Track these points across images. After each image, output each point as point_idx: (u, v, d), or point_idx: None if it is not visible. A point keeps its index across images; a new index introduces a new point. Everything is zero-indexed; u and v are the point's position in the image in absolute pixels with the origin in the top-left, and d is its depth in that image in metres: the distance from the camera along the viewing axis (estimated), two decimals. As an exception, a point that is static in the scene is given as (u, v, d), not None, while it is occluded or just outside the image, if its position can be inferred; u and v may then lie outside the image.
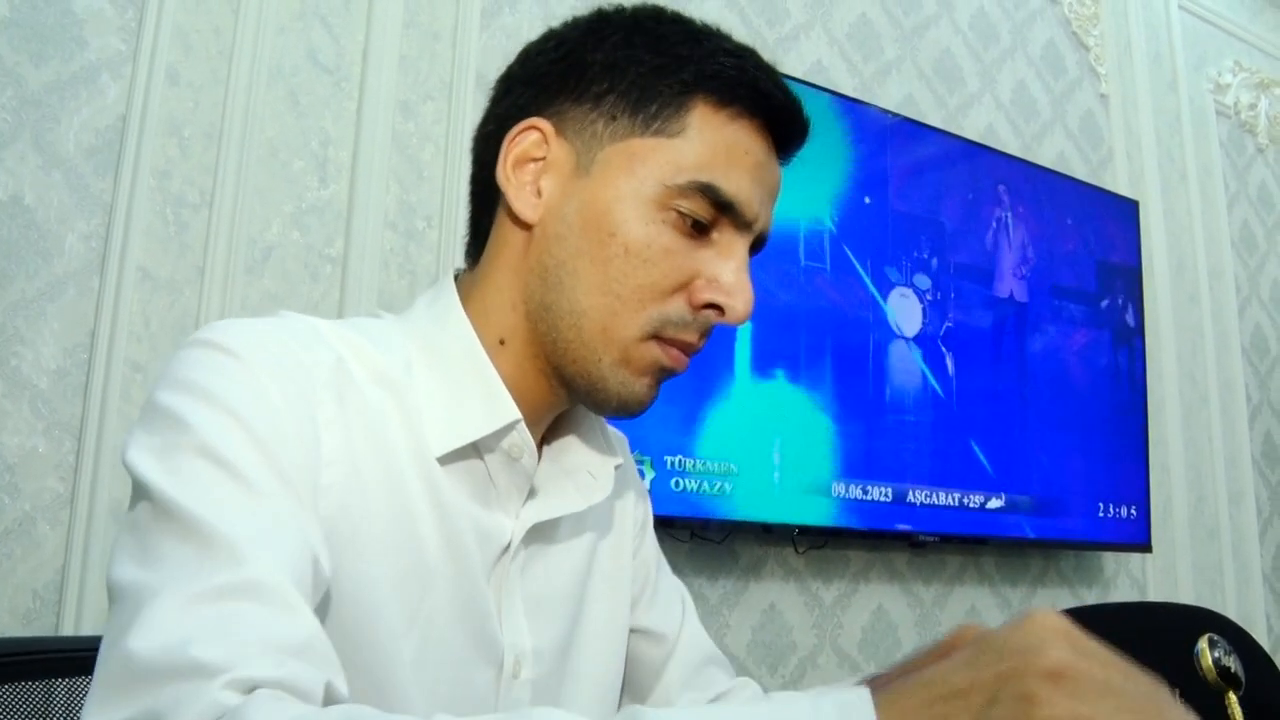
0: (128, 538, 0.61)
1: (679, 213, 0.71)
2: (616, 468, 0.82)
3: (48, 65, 1.62)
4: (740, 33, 2.37)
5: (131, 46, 1.69)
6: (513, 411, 0.74)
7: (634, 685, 0.92)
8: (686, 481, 2.03)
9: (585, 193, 0.73)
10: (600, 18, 0.77)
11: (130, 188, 1.66)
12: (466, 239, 0.83)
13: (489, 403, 0.73)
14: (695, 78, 0.72)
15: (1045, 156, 2.94)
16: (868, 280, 2.35)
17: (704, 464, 2.05)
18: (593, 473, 0.80)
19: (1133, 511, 2.79)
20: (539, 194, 0.74)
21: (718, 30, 0.76)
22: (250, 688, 0.52)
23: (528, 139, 0.75)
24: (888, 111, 2.49)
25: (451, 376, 0.74)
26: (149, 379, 1.64)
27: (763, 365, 2.15)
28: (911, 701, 0.44)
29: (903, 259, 2.42)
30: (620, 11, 0.77)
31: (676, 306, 0.73)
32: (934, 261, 2.49)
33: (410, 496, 0.71)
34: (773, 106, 0.74)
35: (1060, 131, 3.04)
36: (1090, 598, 2.81)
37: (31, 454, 1.56)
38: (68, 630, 1.52)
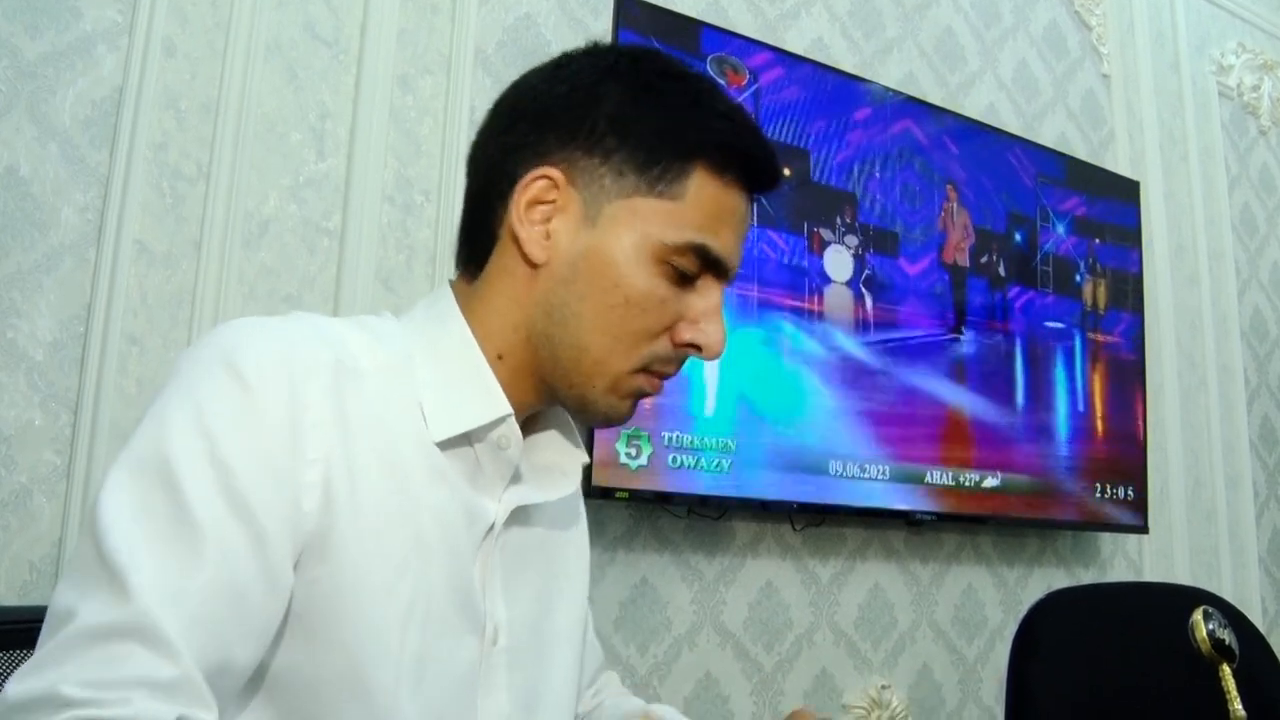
0: (76, 550, 0.69)
1: (672, 266, 0.81)
2: (584, 465, 0.91)
3: (43, 36, 1.61)
4: (742, 11, 2.37)
5: (128, 18, 1.68)
6: (505, 406, 0.82)
7: None
8: (684, 458, 2.03)
9: (593, 242, 0.81)
10: (609, 67, 0.84)
11: (127, 160, 1.65)
12: (459, 248, 0.88)
13: (484, 397, 0.82)
14: (696, 145, 0.81)
15: (1046, 136, 2.93)
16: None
17: (702, 440, 2.05)
18: (564, 469, 0.90)
19: (1130, 493, 2.79)
20: (547, 236, 0.82)
21: (712, 87, 0.85)
22: None
23: (540, 186, 0.82)
24: (890, 89, 2.49)
25: (450, 371, 0.82)
26: (145, 352, 1.64)
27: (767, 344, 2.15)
28: None
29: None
30: (626, 60, 0.85)
31: (662, 345, 0.83)
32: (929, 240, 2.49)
33: (411, 477, 0.78)
34: (759, 170, 0.84)
35: (1062, 111, 3.03)
36: (1086, 578, 2.81)
37: (28, 426, 1.56)
38: (64, 602, 1.52)
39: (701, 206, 0.81)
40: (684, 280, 0.82)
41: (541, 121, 0.83)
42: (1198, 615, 0.76)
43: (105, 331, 1.61)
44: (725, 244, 0.82)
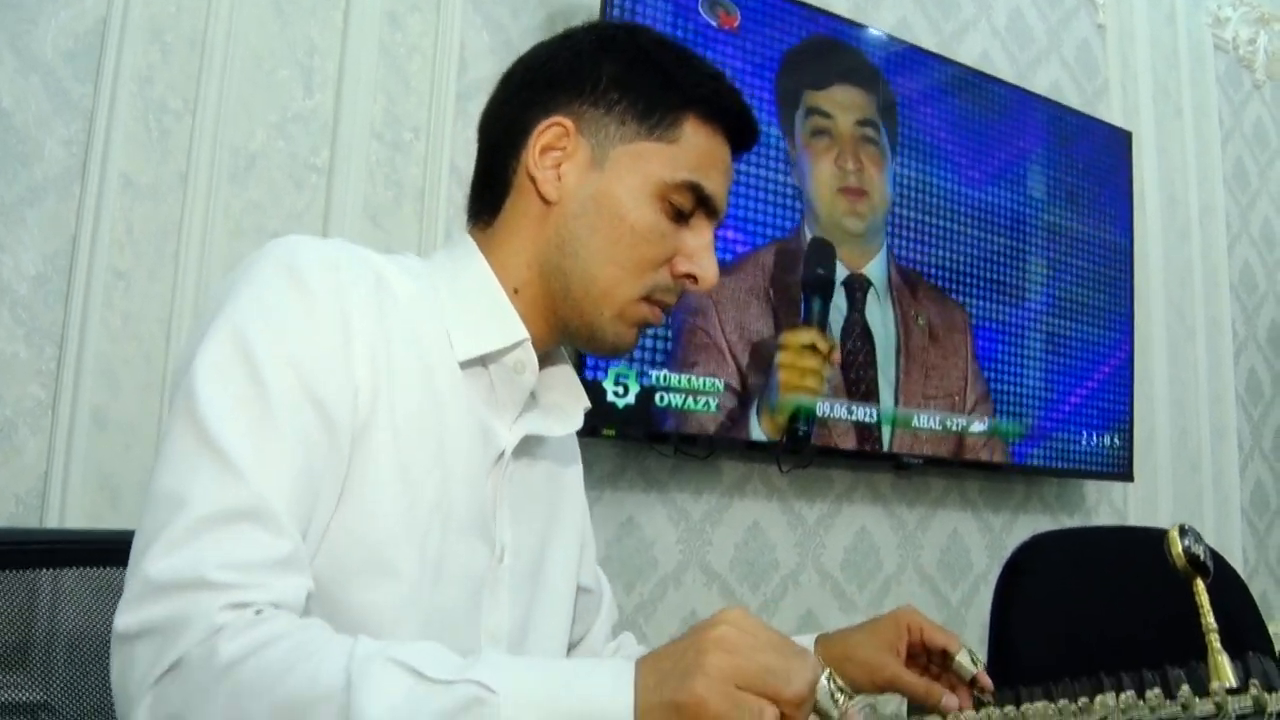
0: (169, 436, 0.75)
1: (670, 203, 0.91)
2: (585, 409, 0.99)
3: (24, -36, 1.58)
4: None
5: (110, -53, 1.66)
6: (523, 331, 0.91)
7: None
8: (671, 397, 2.03)
9: (601, 183, 0.91)
10: (609, 37, 0.96)
11: (111, 93, 1.63)
12: (472, 201, 0.98)
13: (503, 323, 0.91)
14: (688, 96, 0.92)
15: (1039, 85, 2.91)
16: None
17: (689, 379, 2.06)
18: (567, 410, 0.98)
19: (1116, 441, 2.81)
20: (559, 178, 0.91)
21: (697, 55, 0.98)
22: (245, 609, 0.68)
23: (553, 132, 0.92)
24: (885, 34, 2.47)
25: (471, 301, 0.91)
26: (131, 286, 1.63)
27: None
28: (647, 666, 0.64)
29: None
30: (623, 31, 0.98)
31: (663, 275, 0.92)
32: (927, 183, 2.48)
33: (441, 390, 0.87)
34: (740, 125, 0.96)
35: (1055, 61, 3.01)
36: (1071, 524, 2.83)
37: (12, 360, 1.55)
38: (52, 534, 1.53)
39: (694, 150, 0.92)
40: (680, 218, 0.92)
41: (551, 82, 0.93)
42: (1174, 532, 0.77)
43: (90, 265, 1.60)
44: (714, 185, 0.93)
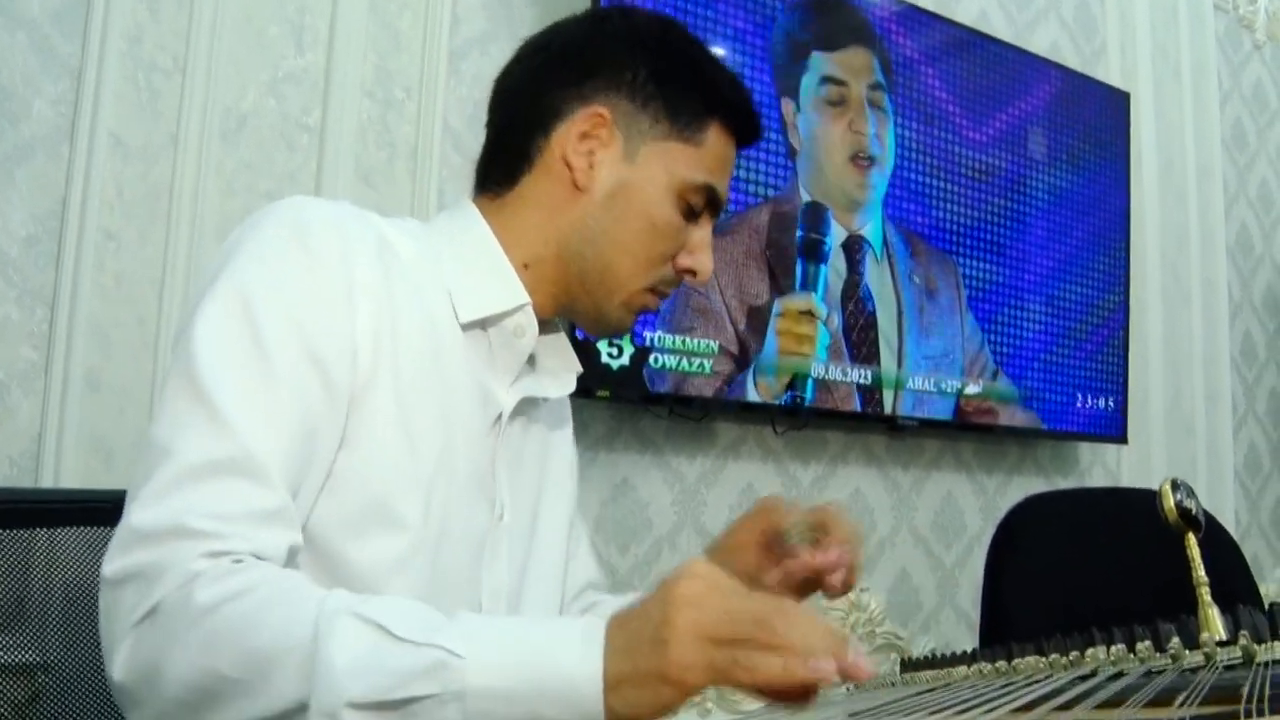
0: (167, 391, 0.77)
1: (687, 201, 0.95)
2: (577, 373, 1.02)
3: (9, -81, 1.56)
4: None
5: (97, -99, 1.63)
6: (524, 295, 0.93)
7: None
8: (666, 358, 2.03)
9: (631, 175, 0.94)
10: (642, 27, 1.00)
11: (99, 52, 1.61)
12: (483, 167, 0.99)
13: (505, 287, 0.93)
14: (714, 104, 0.96)
15: (1038, 45, 2.89)
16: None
17: (684, 341, 2.05)
18: (559, 374, 1.00)
19: (1110, 404, 2.82)
20: (591, 166, 0.94)
21: (719, 60, 1.03)
22: (222, 557, 0.69)
23: (592, 121, 0.94)
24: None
25: (474, 265, 0.93)
26: (123, 247, 1.62)
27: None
28: (620, 620, 0.64)
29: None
30: (657, 25, 1.02)
31: (668, 268, 0.96)
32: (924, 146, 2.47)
33: (443, 351, 0.89)
34: (752, 130, 1.01)
35: (1054, 20, 2.98)
36: (1065, 486, 2.84)
37: (4, 322, 1.55)
38: (46, 496, 1.52)
39: (712, 153, 0.96)
40: (690, 215, 0.96)
41: (588, 69, 0.96)
42: (1165, 486, 0.77)
43: (81, 226, 1.59)
44: (724, 186, 0.99)
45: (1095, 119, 2.86)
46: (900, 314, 2.40)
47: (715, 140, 0.97)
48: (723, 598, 0.63)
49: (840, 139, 2.32)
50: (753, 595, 0.64)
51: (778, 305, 2.17)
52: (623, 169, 0.95)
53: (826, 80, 2.30)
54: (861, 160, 2.34)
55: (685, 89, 0.96)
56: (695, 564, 0.65)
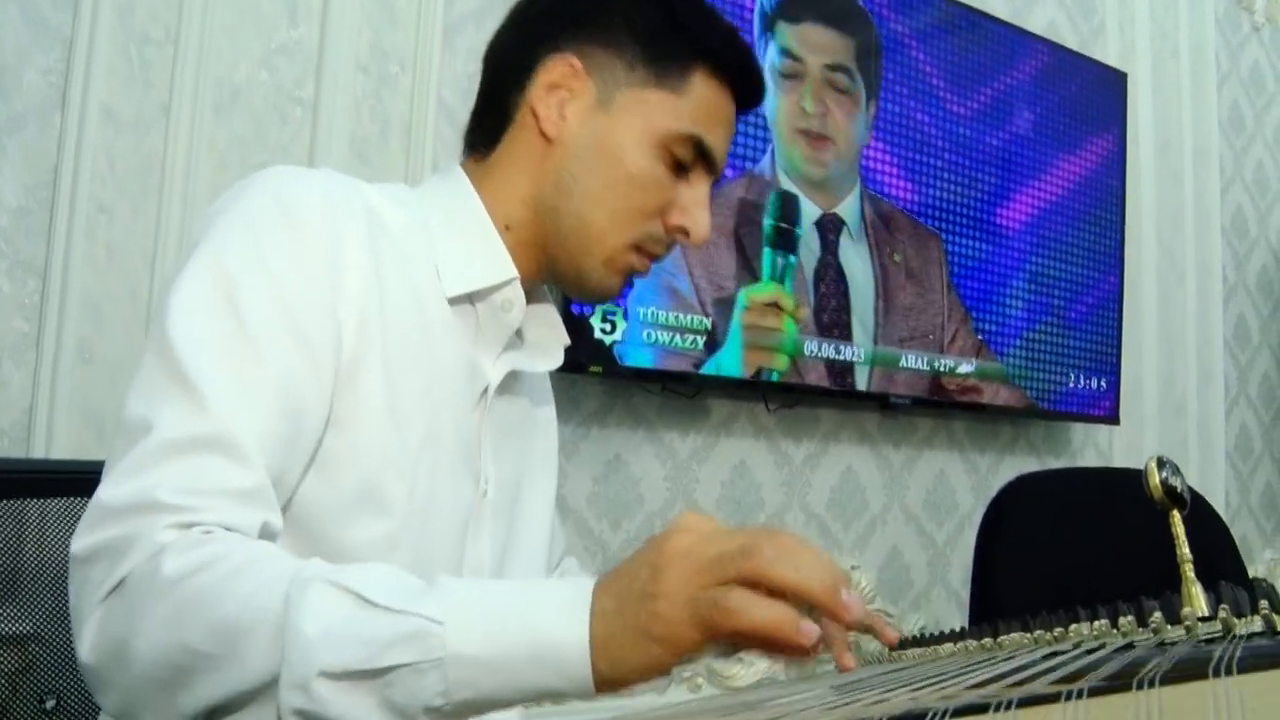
0: (142, 366, 0.74)
1: (671, 153, 0.90)
2: (565, 346, 1.00)
3: (0, -113, 1.55)
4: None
5: None
6: (513, 269, 0.91)
7: None
8: (659, 334, 2.03)
9: (604, 125, 0.90)
10: None
11: (91, 22, 1.60)
12: (470, 131, 0.97)
13: (493, 260, 0.91)
14: (699, 48, 0.91)
15: (1035, 24, 2.88)
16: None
17: (677, 317, 2.05)
18: (546, 347, 0.98)
19: (1103, 384, 2.82)
20: (563, 117, 0.91)
21: (713, 8, 0.96)
22: (192, 528, 0.67)
23: (560, 70, 0.91)
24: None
25: (462, 235, 0.91)
26: (115, 220, 1.62)
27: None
28: (607, 581, 0.63)
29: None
30: None
31: (655, 226, 0.92)
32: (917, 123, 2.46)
33: (430, 324, 0.87)
34: (749, 83, 0.95)
35: (1052, -1, 2.98)
36: (1057, 466, 2.85)
37: (-4, 293, 1.54)
38: (38, 467, 1.52)
39: (699, 103, 0.91)
40: (679, 169, 0.91)
41: (560, 17, 0.93)
42: (1151, 463, 0.78)
43: (73, 198, 1.58)
44: (716, 141, 0.92)
45: (1092, 99, 2.85)
46: (880, 292, 2.37)
47: (702, 90, 0.91)
48: (712, 545, 0.61)
49: (789, 113, 2.25)
50: (745, 529, 0.62)
51: (743, 296, 2.13)
52: (598, 118, 0.91)
53: (785, 53, 2.26)
54: (810, 135, 2.27)
55: (666, 34, 0.91)
56: (687, 516, 0.63)
